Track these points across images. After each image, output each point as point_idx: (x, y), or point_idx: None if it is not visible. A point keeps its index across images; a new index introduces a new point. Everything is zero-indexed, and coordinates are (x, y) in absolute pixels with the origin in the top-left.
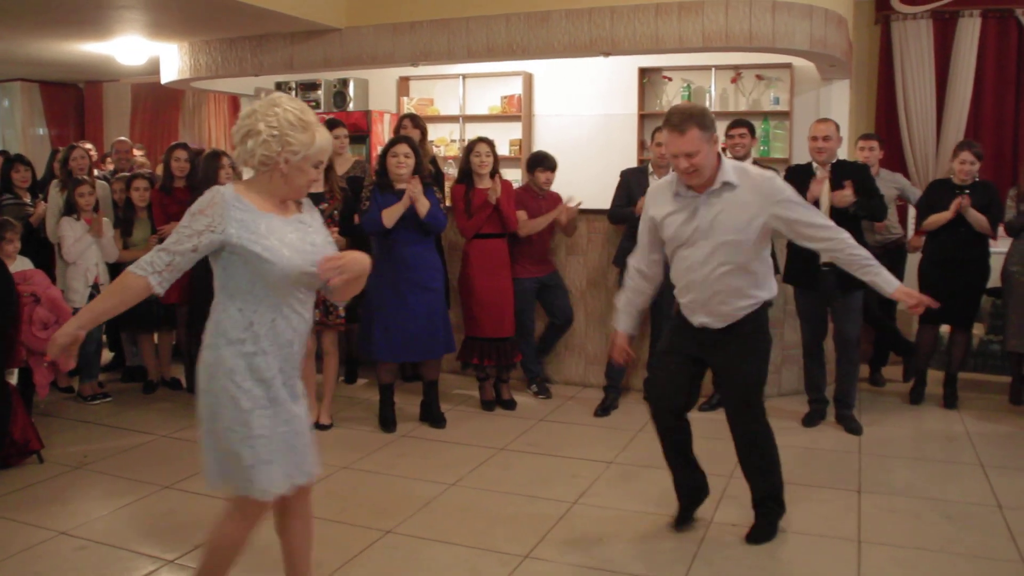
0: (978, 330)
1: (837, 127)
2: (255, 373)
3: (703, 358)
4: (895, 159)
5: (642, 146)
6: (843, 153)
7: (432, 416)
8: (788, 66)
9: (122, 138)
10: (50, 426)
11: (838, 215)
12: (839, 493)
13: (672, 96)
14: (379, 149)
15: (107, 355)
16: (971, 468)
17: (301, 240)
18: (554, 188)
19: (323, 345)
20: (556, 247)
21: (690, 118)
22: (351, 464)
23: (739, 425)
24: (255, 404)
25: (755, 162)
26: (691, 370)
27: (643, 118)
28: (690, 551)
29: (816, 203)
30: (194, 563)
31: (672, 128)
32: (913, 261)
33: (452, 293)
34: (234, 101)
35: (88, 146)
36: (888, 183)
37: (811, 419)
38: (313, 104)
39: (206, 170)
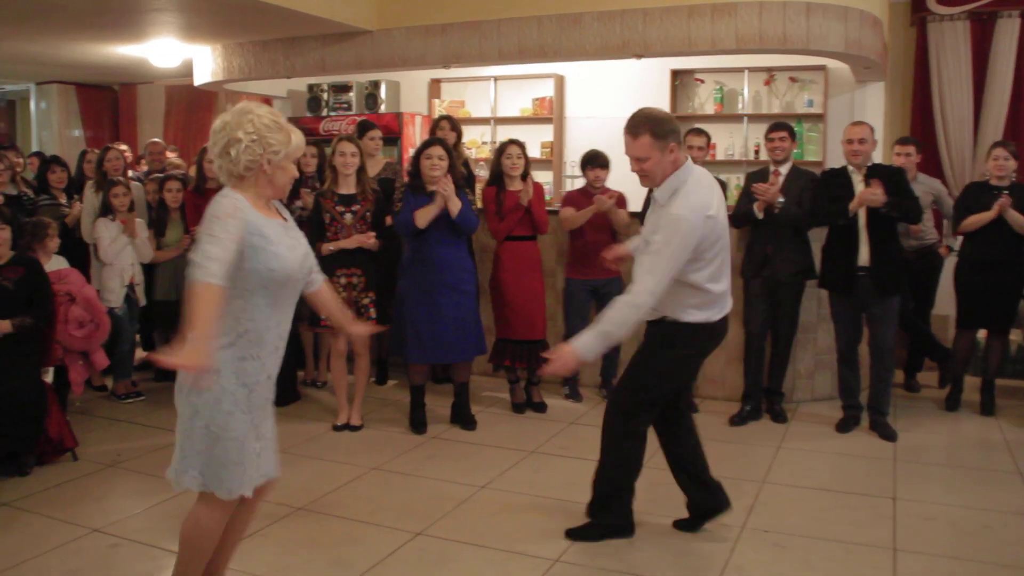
0: (1016, 336)
1: (872, 130)
2: (241, 377)
3: None
4: (931, 163)
5: None
6: (878, 158)
7: (463, 418)
8: (822, 68)
9: (156, 139)
10: (84, 424)
11: (874, 216)
12: (874, 500)
13: (704, 98)
14: (410, 151)
15: (140, 354)
16: (1009, 476)
17: (293, 243)
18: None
19: (354, 347)
20: None
21: (644, 124)
22: (381, 465)
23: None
24: (236, 407)
25: (794, 166)
26: None
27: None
28: (722, 558)
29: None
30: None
31: (627, 130)
32: (949, 264)
33: (483, 295)
34: (267, 103)
35: (123, 147)
36: (924, 188)
37: (845, 425)
38: (345, 106)
39: None
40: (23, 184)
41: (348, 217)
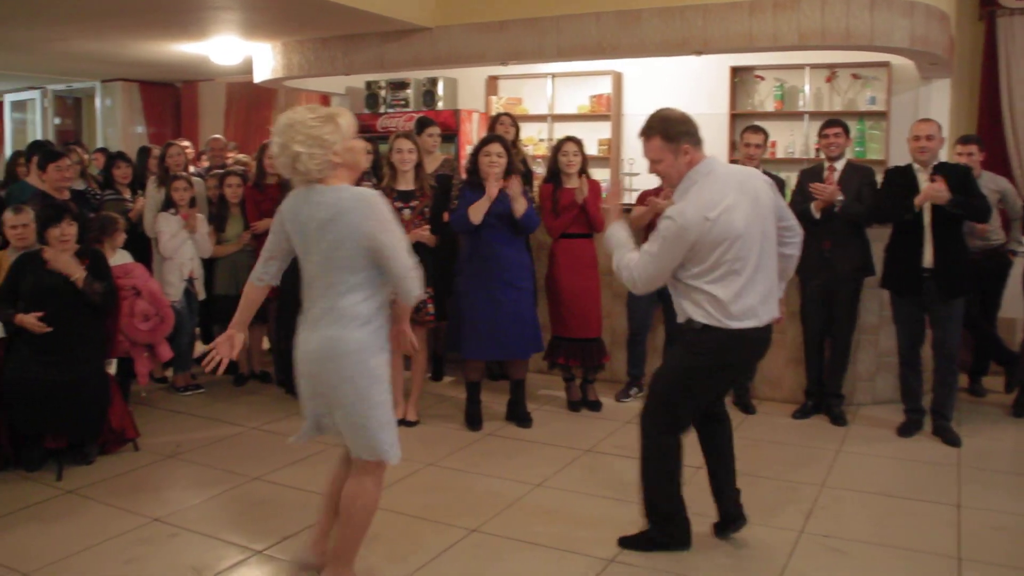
0: None
1: (939, 127)
2: (384, 348)
3: None
4: (997, 162)
5: (733, 146)
6: (943, 156)
7: (518, 415)
8: (885, 65)
9: (216, 136)
10: (145, 415)
11: (938, 216)
12: (937, 507)
13: (764, 96)
14: (467, 148)
15: (199, 347)
16: None
17: None
18: (645, 187)
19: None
20: None
21: (654, 127)
22: (437, 461)
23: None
24: (386, 379)
25: (849, 162)
26: None
27: (734, 118)
28: (779, 562)
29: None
30: (282, 554)
31: (640, 132)
32: (1018, 265)
33: (539, 293)
34: (325, 100)
35: (185, 144)
36: (990, 186)
37: (907, 429)
38: (402, 103)
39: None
40: (90, 179)
41: (406, 213)
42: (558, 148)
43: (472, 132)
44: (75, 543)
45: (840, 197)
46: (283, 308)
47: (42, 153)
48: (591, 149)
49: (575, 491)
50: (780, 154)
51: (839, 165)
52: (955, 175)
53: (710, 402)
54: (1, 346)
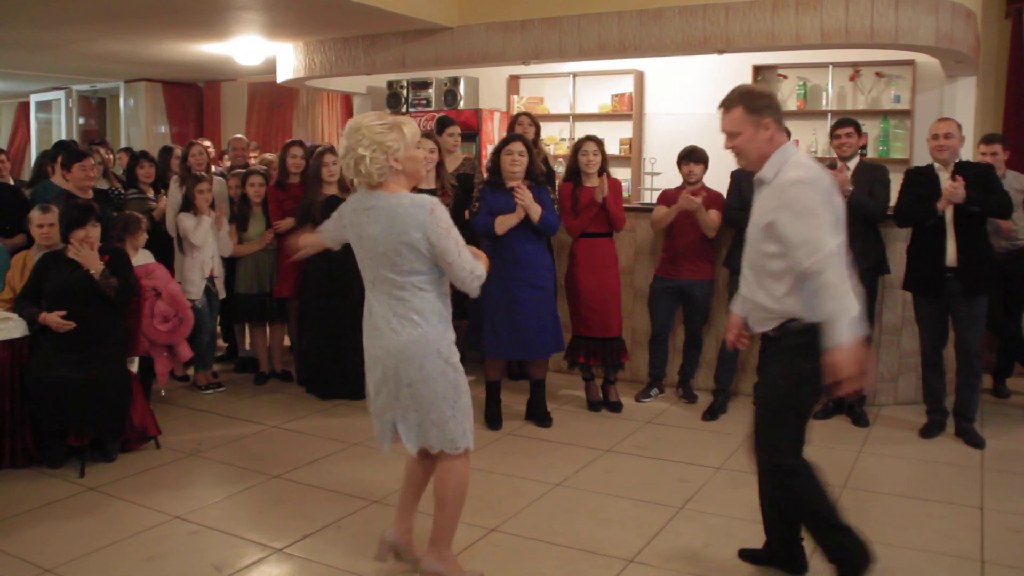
0: None
1: (959, 126)
2: (452, 343)
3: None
4: (1023, 160)
5: None
6: (967, 155)
7: (538, 415)
8: (910, 63)
9: (238, 135)
10: (167, 413)
11: (960, 214)
12: (960, 509)
13: (787, 94)
14: (489, 147)
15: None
16: None
17: None
18: (666, 186)
19: None
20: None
21: (737, 97)
22: None
23: (761, 480)
24: (459, 366)
25: (862, 160)
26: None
27: None
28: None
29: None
30: (302, 552)
31: (720, 104)
32: None
33: (560, 292)
34: (347, 100)
35: (206, 143)
36: (1014, 185)
37: (929, 431)
38: (424, 102)
39: (314, 167)
40: (113, 179)
41: None
42: (578, 148)
43: (493, 131)
44: (96, 540)
45: (850, 187)
46: (304, 308)
47: (66, 153)
48: (612, 148)
49: (595, 491)
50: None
51: (852, 164)
52: (976, 173)
53: None
54: (24, 345)
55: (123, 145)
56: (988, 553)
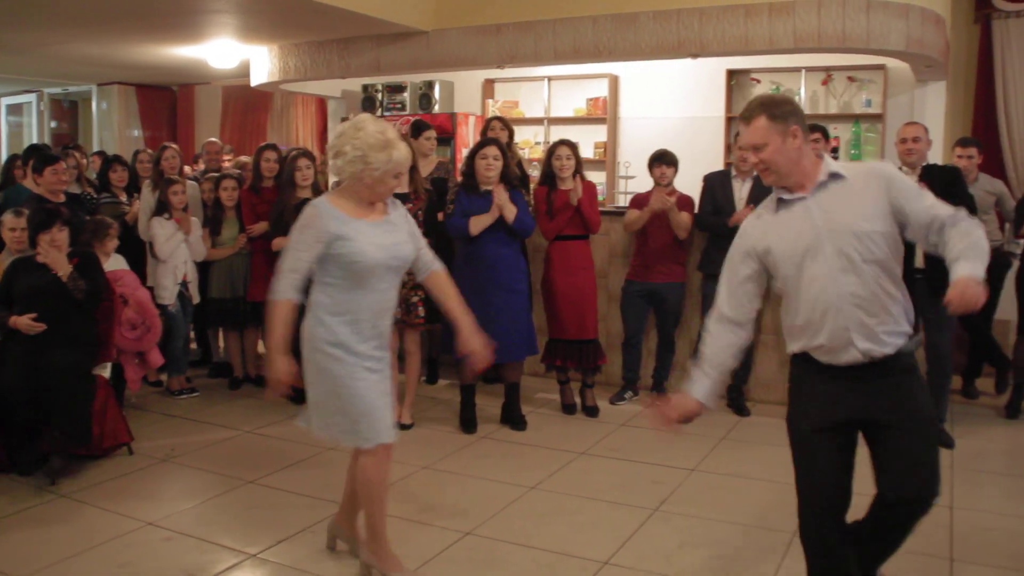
0: None
1: (926, 129)
2: (348, 346)
3: (861, 417)
4: (993, 163)
5: (728, 149)
6: (937, 157)
7: (513, 418)
8: (881, 67)
9: (212, 139)
10: (140, 419)
11: None
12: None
13: None
14: (464, 151)
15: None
16: None
17: (384, 240)
18: (640, 190)
19: (405, 345)
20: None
21: (759, 106)
22: (431, 464)
23: (906, 517)
24: (354, 370)
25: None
26: (848, 448)
27: (730, 120)
28: (774, 561)
29: None
30: (276, 558)
31: (741, 118)
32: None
33: (535, 295)
34: (321, 103)
35: (173, 147)
36: (987, 189)
37: None
38: (399, 106)
39: (288, 171)
40: (86, 183)
41: None
42: (551, 152)
43: (468, 135)
44: (69, 547)
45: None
46: None
47: (38, 157)
48: (587, 152)
49: (569, 494)
50: None
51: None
52: (943, 177)
53: None
54: None
55: (96, 149)
56: (957, 551)
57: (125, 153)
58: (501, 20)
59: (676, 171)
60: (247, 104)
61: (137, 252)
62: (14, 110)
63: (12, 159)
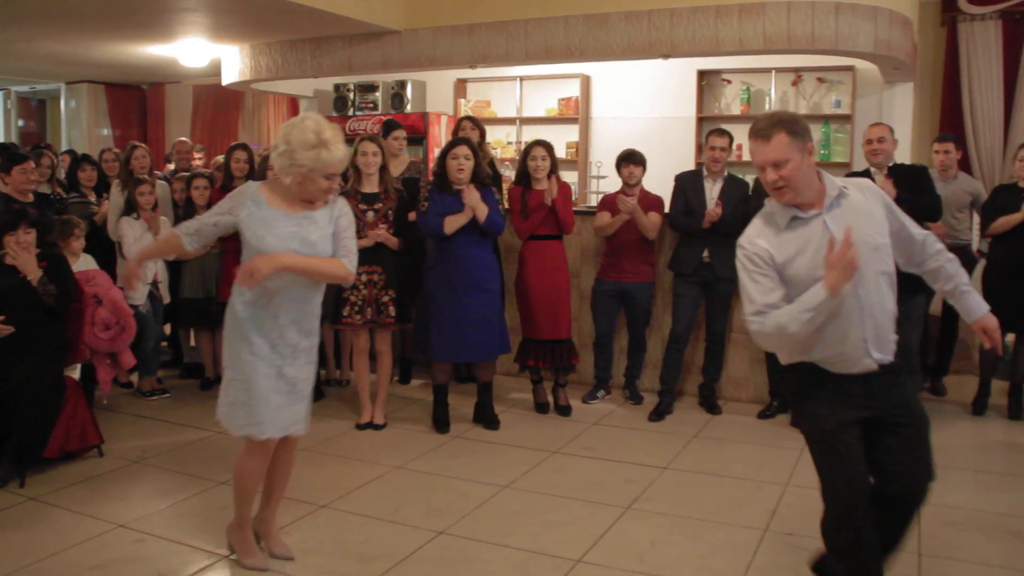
0: None
1: (891, 130)
2: (258, 331)
3: (871, 416)
4: (960, 164)
5: (699, 149)
6: (904, 157)
7: (486, 418)
8: (850, 68)
9: (182, 138)
10: (110, 420)
11: None
12: None
13: (731, 99)
14: (436, 151)
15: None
16: None
17: (293, 234)
18: (611, 189)
19: (376, 345)
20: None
21: (778, 123)
22: (404, 464)
23: (911, 507)
24: (254, 356)
25: (729, 175)
26: (862, 446)
27: (701, 121)
28: (744, 560)
29: None
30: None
31: (756, 135)
32: (978, 267)
33: (508, 295)
34: (293, 103)
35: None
36: (964, 187)
37: None
38: (371, 105)
39: (259, 171)
40: (55, 183)
41: (370, 216)
42: (527, 153)
43: (440, 135)
44: (39, 550)
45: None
46: None
47: (6, 156)
48: (559, 152)
49: (543, 493)
50: (746, 157)
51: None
52: (909, 175)
53: None
54: None
55: (64, 148)
56: (925, 546)
57: (94, 152)
58: (473, 20)
59: (644, 171)
60: (218, 103)
61: (107, 252)
62: None
63: None
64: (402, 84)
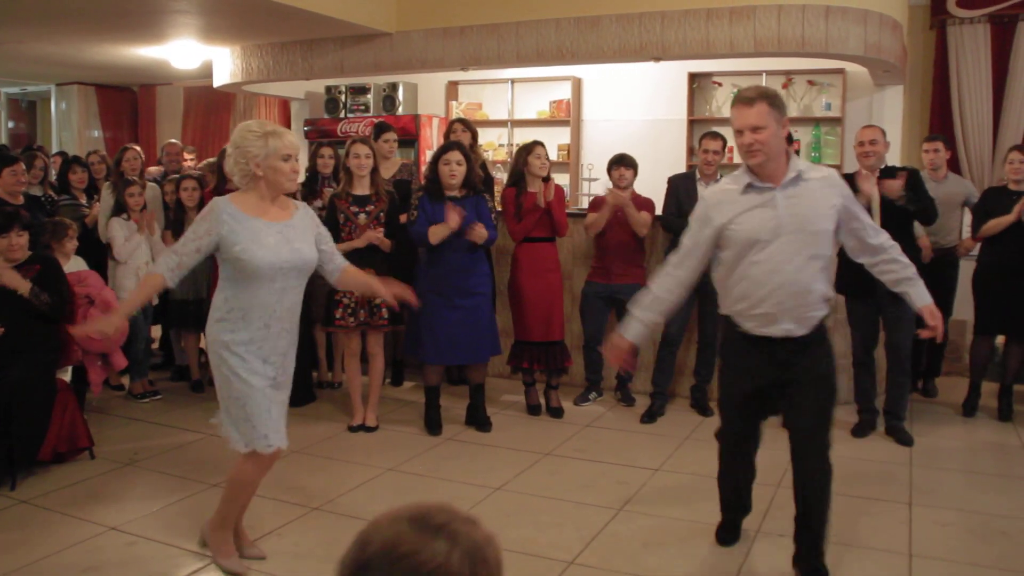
0: None
1: (883, 132)
2: (234, 347)
3: (777, 380)
4: (949, 166)
5: (691, 152)
6: (895, 160)
7: (478, 420)
8: (841, 71)
9: (173, 140)
10: (101, 423)
11: (888, 216)
12: (890, 505)
13: (722, 101)
14: (427, 153)
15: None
16: None
17: (280, 243)
18: (600, 193)
19: (368, 347)
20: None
21: (762, 94)
22: (397, 466)
23: (808, 459)
24: (234, 373)
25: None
26: (763, 407)
27: (692, 123)
28: (736, 561)
29: (868, 207)
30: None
31: (740, 101)
32: (967, 269)
33: (500, 297)
34: (284, 105)
35: (135, 148)
36: (957, 188)
37: (861, 430)
38: (362, 108)
39: (218, 188)
40: (47, 185)
41: (362, 218)
42: (529, 151)
43: (432, 137)
44: (30, 553)
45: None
46: None
47: None
48: (551, 154)
49: (535, 494)
50: (737, 160)
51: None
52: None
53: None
54: None
55: (55, 150)
56: (916, 547)
57: (85, 154)
58: (465, 22)
59: (635, 174)
60: (209, 105)
61: (98, 254)
62: None
63: None
64: (394, 86)
